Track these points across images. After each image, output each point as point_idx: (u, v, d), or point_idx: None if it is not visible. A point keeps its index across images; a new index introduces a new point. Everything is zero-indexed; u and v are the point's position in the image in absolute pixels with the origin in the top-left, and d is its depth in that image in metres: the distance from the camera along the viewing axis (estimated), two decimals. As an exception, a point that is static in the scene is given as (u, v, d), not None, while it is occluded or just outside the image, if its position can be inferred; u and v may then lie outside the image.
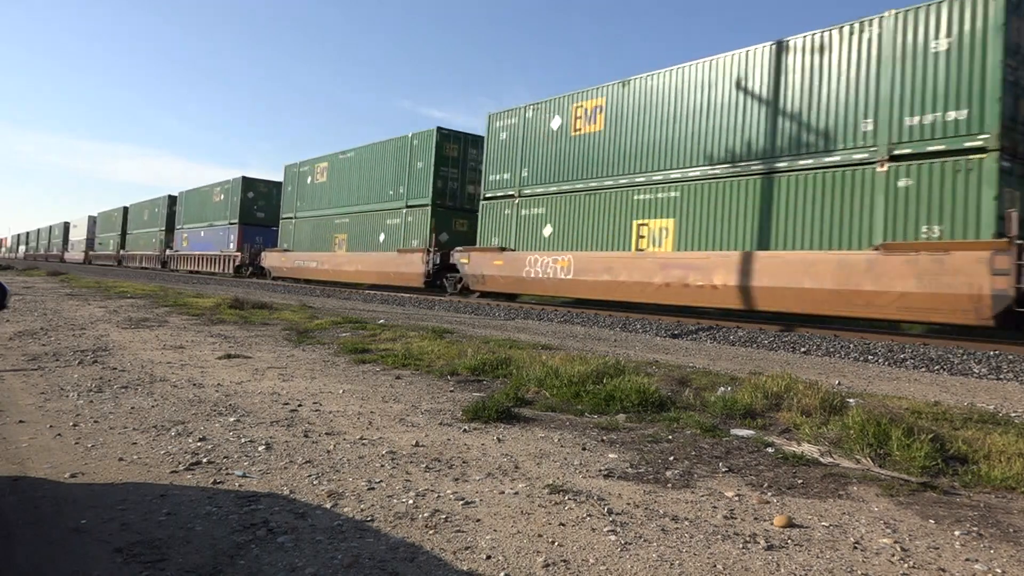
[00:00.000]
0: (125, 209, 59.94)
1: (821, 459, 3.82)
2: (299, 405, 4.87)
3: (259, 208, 38.10)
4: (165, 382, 5.58)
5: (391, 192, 24.54)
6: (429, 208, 22.49)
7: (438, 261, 21.66)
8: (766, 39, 16.09)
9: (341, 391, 5.45)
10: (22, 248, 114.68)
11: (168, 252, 47.75)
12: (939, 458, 3.65)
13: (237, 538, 2.52)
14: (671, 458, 3.82)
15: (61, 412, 4.43)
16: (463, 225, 22.89)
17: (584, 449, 3.95)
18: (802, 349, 10.07)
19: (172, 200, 48.96)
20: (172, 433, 3.98)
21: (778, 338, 11.10)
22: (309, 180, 30.76)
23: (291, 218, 32.16)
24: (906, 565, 2.49)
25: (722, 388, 5.50)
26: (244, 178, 37.71)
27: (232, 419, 4.37)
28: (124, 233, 59.48)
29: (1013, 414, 5.15)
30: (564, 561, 2.43)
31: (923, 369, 8.32)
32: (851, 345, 10.12)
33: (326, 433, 4.11)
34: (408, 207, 23.52)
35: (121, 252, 58.71)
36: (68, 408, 4.56)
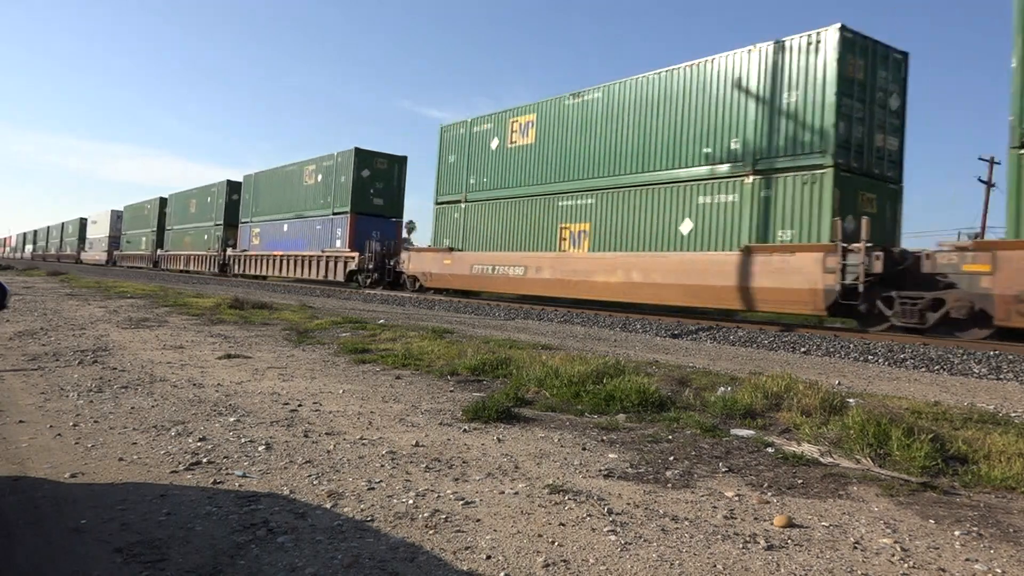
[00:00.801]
0: (162, 200, 50.11)
1: (821, 459, 3.82)
2: (299, 405, 4.87)
3: (376, 192, 27.73)
4: (165, 382, 5.58)
5: (708, 151, 14.35)
6: (829, 172, 12.26)
7: (878, 269, 11.32)
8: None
9: (341, 391, 5.45)
10: (29, 248, 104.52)
11: (230, 252, 37.59)
12: (939, 458, 3.65)
13: (237, 538, 2.52)
14: (671, 458, 3.82)
15: (61, 412, 4.43)
16: (870, 203, 12.90)
17: (584, 449, 3.95)
18: (802, 349, 10.07)
19: (234, 187, 38.96)
20: (172, 433, 3.98)
21: (778, 338, 11.10)
22: (495, 144, 20.15)
23: (456, 202, 21.51)
24: (906, 565, 2.49)
25: (722, 388, 5.50)
26: (358, 150, 27.23)
27: (232, 419, 4.37)
28: (161, 229, 49.51)
29: (1013, 414, 5.15)
30: (564, 561, 2.43)
31: (923, 369, 8.32)
32: (851, 345, 10.12)
33: (326, 433, 4.11)
34: (758, 173, 13.32)
35: (159, 252, 49.17)
36: (68, 408, 4.56)
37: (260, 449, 3.70)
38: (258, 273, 34.25)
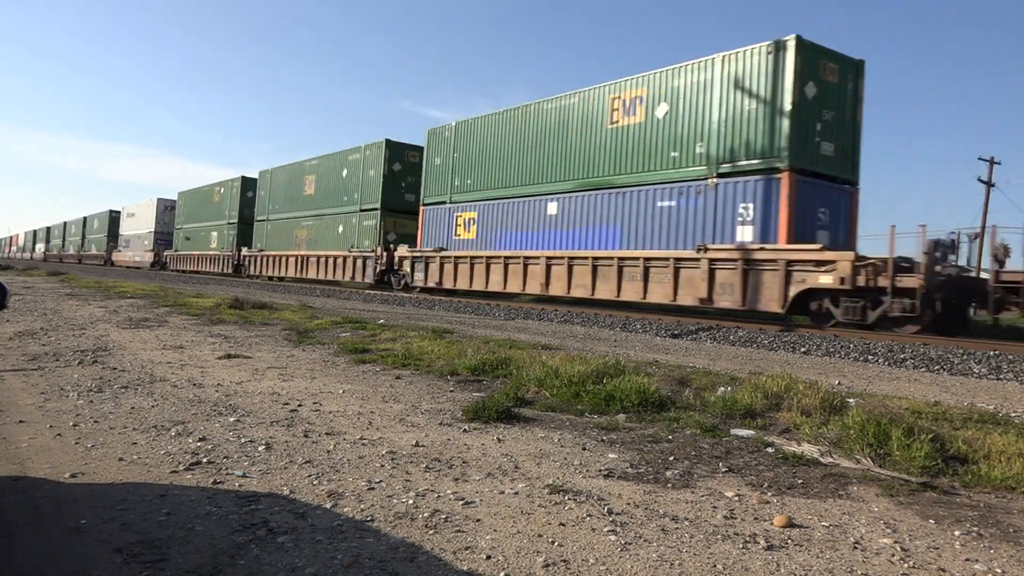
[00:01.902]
0: (246, 181, 36.87)
1: (821, 459, 3.82)
2: (299, 405, 4.87)
3: (825, 130, 13.54)
4: (165, 382, 5.58)
5: None
6: None
7: None
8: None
9: (341, 391, 5.45)
10: (40, 247, 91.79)
11: (401, 252, 23.16)
12: (939, 458, 3.65)
13: (237, 538, 2.52)
14: (671, 458, 3.82)
15: (61, 412, 4.43)
16: None
17: (584, 449, 3.95)
18: (802, 349, 10.07)
19: (396, 152, 24.94)
20: (172, 433, 3.98)
21: (778, 338, 11.10)
22: None
23: None
24: (906, 565, 2.49)
25: (722, 388, 5.50)
26: (800, 41, 12.95)
27: (232, 419, 4.36)
28: (244, 221, 36.51)
29: (1013, 414, 5.15)
30: (564, 561, 2.43)
31: (923, 369, 8.32)
32: (851, 345, 10.12)
33: (326, 433, 4.11)
34: None
35: (244, 252, 35.76)
36: (68, 408, 4.56)
37: (260, 449, 3.70)
38: (477, 288, 19.51)
